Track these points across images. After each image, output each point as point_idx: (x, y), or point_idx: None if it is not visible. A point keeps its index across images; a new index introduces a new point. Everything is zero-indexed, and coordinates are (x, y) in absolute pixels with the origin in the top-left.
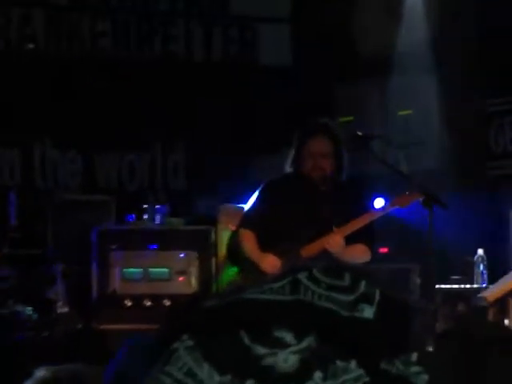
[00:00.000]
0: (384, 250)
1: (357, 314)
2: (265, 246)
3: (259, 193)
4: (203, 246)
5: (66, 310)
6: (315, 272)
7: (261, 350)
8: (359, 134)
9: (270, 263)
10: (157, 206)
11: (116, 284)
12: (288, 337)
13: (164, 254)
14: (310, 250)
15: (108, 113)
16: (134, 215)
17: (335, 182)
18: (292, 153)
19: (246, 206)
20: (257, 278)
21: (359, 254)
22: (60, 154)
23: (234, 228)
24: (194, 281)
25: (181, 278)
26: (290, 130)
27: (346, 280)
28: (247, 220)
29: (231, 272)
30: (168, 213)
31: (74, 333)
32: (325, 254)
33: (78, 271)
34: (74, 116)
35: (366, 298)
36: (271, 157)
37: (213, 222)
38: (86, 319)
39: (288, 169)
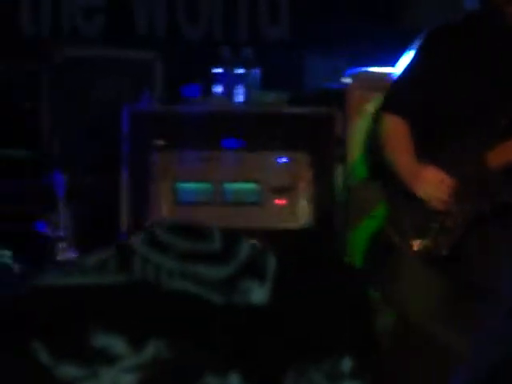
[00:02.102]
0: None
1: (238, 300)
2: (425, 148)
3: (418, 50)
4: (320, 144)
5: (72, 255)
6: (160, 231)
7: (69, 370)
8: None
9: (430, 181)
10: (238, 70)
11: (164, 210)
12: (117, 345)
13: (250, 157)
14: (501, 156)
15: None
16: (197, 86)
17: None
18: None
19: (395, 73)
20: (414, 218)
21: None
22: None
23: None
24: (302, 206)
25: (280, 201)
26: None
27: (215, 241)
28: (396, 99)
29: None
30: (260, 82)
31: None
32: None
33: (95, 186)
34: None
35: (252, 272)
36: None
37: (337, 101)
38: None
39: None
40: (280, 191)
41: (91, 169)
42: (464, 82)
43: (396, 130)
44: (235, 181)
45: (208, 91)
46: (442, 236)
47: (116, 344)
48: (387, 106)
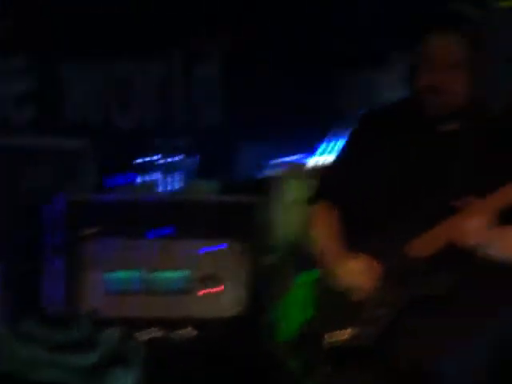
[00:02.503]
0: None
1: None
2: (353, 236)
3: (348, 136)
4: (253, 232)
5: None
6: (24, 322)
7: None
8: None
9: (355, 271)
10: (172, 158)
11: (96, 299)
12: None
13: (183, 245)
14: (426, 246)
15: None
16: (128, 174)
17: (475, 113)
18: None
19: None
20: (338, 304)
21: None
22: None
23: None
24: (235, 294)
25: (213, 290)
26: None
27: (82, 330)
28: (325, 186)
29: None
30: (192, 171)
31: None
32: (456, 249)
33: (23, 276)
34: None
35: (117, 359)
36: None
37: (266, 190)
38: None
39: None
40: (209, 279)
41: (21, 258)
42: (385, 168)
43: (324, 217)
44: (164, 269)
45: (138, 180)
46: (370, 326)
47: None
48: (317, 193)
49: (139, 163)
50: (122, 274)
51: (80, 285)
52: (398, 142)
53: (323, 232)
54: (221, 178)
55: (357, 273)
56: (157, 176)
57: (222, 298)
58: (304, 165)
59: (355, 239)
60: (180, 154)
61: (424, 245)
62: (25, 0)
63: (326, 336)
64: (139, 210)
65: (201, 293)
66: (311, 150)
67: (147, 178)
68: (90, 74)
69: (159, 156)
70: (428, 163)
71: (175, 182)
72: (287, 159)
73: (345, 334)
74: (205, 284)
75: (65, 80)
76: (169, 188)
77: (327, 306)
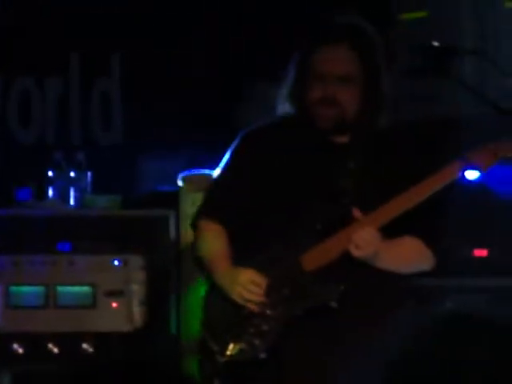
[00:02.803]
0: (481, 252)
1: None
2: (239, 251)
3: (230, 156)
4: (154, 247)
5: None
6: None
7: None
8: (435, 44)
9: (243, 284)
10: (71, 173)
11: None
12: None
13: (84, 260)
14: (316, 258)
15: None
16: (28, 189)
17: (364, 128)
18: (289, 79)
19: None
20: (224, 314)
21: (412, 257)
22: None
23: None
24: (136, 308)
25: (114, 304)
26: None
27: None
28: (210, 204)
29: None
30: (93, 185)
31: None
32: (345, 262)
33: None
34: None
35: None
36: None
37: (171, 203)
38: None
39: (283, 109)
40: (114, 294)
41: None
42: (274, 183)
43: (211, 234)
44: (69, 284)
45: (41, 194)
46: (257, 339)
47: None
48: (203, 211)
49: (41, 178)
50: (25, 289)
51: None
52: (288, 157)
53: (212, 250)
54: (122, 193)
55: (246, 286)
56: (58, 191)
57: (126, 312)
58: (208, 177)
59: (242, 254)
60: (78, 169)
61: (316, 257)
62: None
63: (215, 350)
64: (43, 225)
65: (106, 307)
66: (217, 163)
67: (49, 193)
68: None
69: (57, 170)
70: (319, 176)
71: (75, 198)
72: (191, 172)
73: (233, 349)
74: (109, 298)
75: None
76: (70, 203)
77: (216, 319)
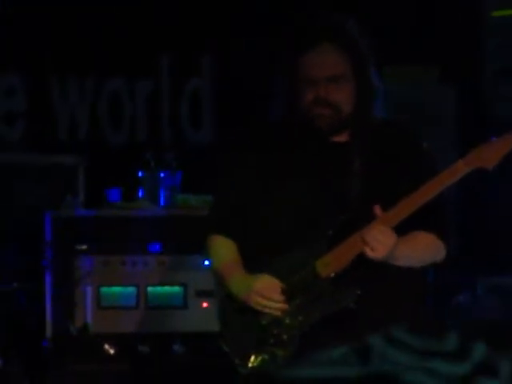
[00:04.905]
0: None
1: None
2: (250, 261)
3: (222, 163)
4: None
5: None
6: (396, 331)
7: None
8: None
9: (261, 291)
10: (162, 173)
11: (88, 316)
12: None
13: (174, 260)
14: (331, 263)
15: None
16: (118, 189)
17: (362, 123)
18: (279, 88)
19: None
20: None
21: (428, 251)
22: None
23: None
24: None
25: (205, 304)
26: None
27: (450, 341)
28: (215, 220)
29: None
30: (183, 185)
31: None
32: (361, 264)
33: (15, 293)
34: None
35: (486, 371)
36: None
37: None
38: (34, 380)
39: (274, 114)
40: (205, 294)
41: (14, 275)
42: (278, 189)
43: (221, 249)
44: (159, 284)
45: (131, 195)
46: (278, 349)
47: None
48: (209, 228)
49: (131, 178)
50: (116, 289)
51: (73, 300)
52: (290, 160)
53: (225, 264)
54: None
55: (260, 293)
56: (148, 191)
57: (214, 312)
58: None
59: (253, 263)
60: (168, 169)
61: (331, 262)
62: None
63: (237, 362)
64: (133, 225)
65: (197, 307)
66: None
67: (139, 193)
68: (81, 90)
69: (147, 171)
70: (324, 178)
71: (165, 198)
72: None
73: (255, 360)
74: (200, 298)
75: (55, 96)
76: (160, 203)
77: (234, 331)
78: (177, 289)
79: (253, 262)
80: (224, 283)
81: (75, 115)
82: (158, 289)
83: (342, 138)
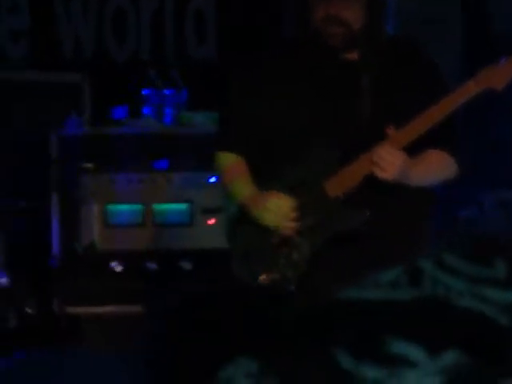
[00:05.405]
0: None
1: None
2: (266, 178)
3: (234, 84)
4: None
5: (4, 281)
6: (447, 256)
7: (371, 372)
8: None
9: (273, 208)
10: (167, 91)
11: (94, 233)
12: (415, 352)
13: (181, 177)
14: (340, 183)
15: None
16: (124, 107)
17: (373, 40)
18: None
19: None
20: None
21: (440, 169)
22: None
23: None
24: None
25: (210, 221)
26: None
27: (499, 268)
28: (224, 137)
29: None
30: (188, 103)
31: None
32: (372, 184)
33: (25, 211)
34: None
35: None
36: None
37: None
38: (41, 298)
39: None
40: (211, 211)
41: (20, 193)
42: (289, 107)
43: (231, 166)
44: (166, 202)
45: (137, 112)
46: (288, 270)
47: (414, 351)
48: (218, 144)
49: (136, 96)
50: (123, 207)
51: (80, 218)
52: (300, 77)
53: (235, 180)
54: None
55: (275, 211)
56: (154, 109)
57: (219, 229)
58: None
59: (263, 182)
60: (173, 86)
61: (340, 182)
62: None
63: (245, 279)
64: (139, 143)
65: (203, 224)
66: None
67: (144, 110)
68: (85, 8)
69: (155, 88)
70: (335, 96)
71: (170, 116)
72: None
73: (265, 279)
74: (207, 216)
75: (58, 15)
76: (166, 121)
77: (245, 248)
78: (183, 206)
79: (263, 179)
80: (239, 203)
81: (80, 33)
82: (165, 206)
83: (353, 55)
